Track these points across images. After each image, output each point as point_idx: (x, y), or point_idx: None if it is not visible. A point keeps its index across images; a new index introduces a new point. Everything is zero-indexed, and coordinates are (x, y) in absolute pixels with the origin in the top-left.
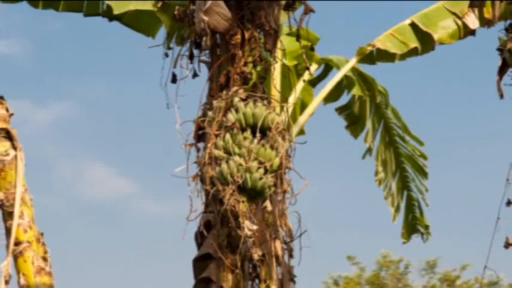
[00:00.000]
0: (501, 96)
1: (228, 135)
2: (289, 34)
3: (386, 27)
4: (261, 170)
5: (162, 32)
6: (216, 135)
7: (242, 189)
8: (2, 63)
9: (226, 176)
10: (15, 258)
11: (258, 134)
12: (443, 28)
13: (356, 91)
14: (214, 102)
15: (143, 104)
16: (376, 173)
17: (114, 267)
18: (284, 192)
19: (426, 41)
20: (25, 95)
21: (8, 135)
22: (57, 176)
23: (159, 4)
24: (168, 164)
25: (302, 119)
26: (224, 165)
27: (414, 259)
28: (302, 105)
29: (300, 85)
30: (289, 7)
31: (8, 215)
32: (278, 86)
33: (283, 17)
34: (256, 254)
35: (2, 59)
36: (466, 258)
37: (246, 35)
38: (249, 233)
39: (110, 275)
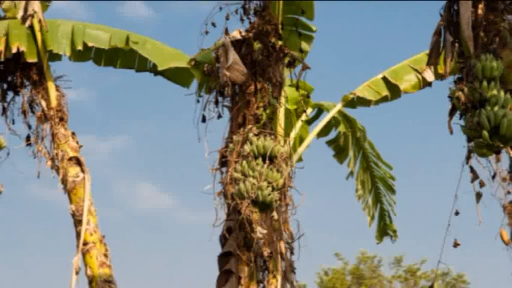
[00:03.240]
0: (451, 132)
1: (244, 162)
2: (290, 85)
3: (364, 80)
4: (270, 188)
5: (194, 84)
6: (235, 162)
7: (255, 202)
8: (74, 108)
9: (243, 193)
10: (84, 254)
11: (267, 161)
12: (407, 81)
13: (341, 128)
14: (234, 137)
15: (180, 138)
16: (356, 190)
17: (158, 262)
18: (287, 205)
19: (394, 91)
20: (91, 132)
21: (78, 162)
22: (115, 192)
23: (193, 62)
24: (199, 183)
25: (300, 149)
26: (241, 185)
27: (385, 255)
28: (300, 139)
29: (298, 124)
30: (291, 65)
31: (78, 222)
32: (282, 125)
33: (286, 72)
34: (266, 251)
35: (74, 104)
36: (424, 255)
37: (258, 86)
38: (260, 235)
39: (155, 268)
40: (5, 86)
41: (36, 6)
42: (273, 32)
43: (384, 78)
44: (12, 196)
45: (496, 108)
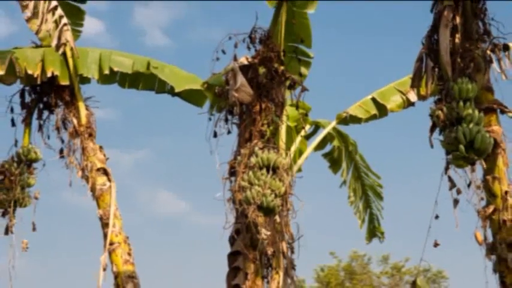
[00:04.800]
0: (431, 146)
1: (250, 172)
2: (291, 105)
3: (355, 100)
4: (273, 195)
5: (207, 104)
6: (243, 172)
7: (260, 208)
8: (101, 125)
9: (250, 199)
10: (110, 253)
11: (270, 171)
12: (393, 101)
13: (336, 143)
14: (242, 150)
15: (195, 151)
16: (349, 197)
17: (175, 260)
18: (288, 210)
19: (382, 110)
20: (116, 146)
21: (105, 172)
22: (137, 199)
23: (205, 85)
24: (211, 191)
25: (300, 161)
26: (248, 192)
27: (374, 254)
28: (300, 152)
29: (298, 139)
30: (291, 87)
31: (105, 225)
32: (284, 140)
33: (287, 93)
34: (270, 250)
35: (101, 122)
36: (408, 254)
37: (263, 106)
38: (264, 236)
39: (172, 265)
40: (41, 105)
41: (68, 35)
42: (275, 58)
43: (373, 99)
44: (47, 202)
45: (471, 125)
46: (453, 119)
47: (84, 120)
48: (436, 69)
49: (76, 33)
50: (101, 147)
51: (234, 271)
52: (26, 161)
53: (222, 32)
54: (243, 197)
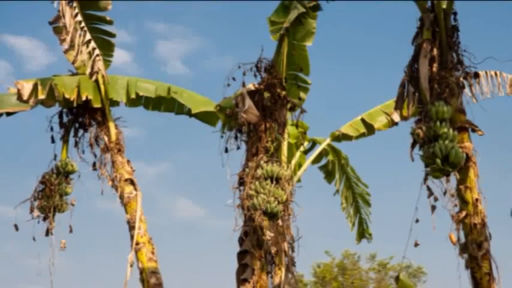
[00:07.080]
0: (412, 159)
1: (257, 182)
2: (292, 124)
3: (347, 120)
4: (276, 202)
5: (219, 123)
6: (250, 182)
7: (265, 213)
8: (128, 142)
9: (256, 206)
10: (136, 252)
11: (274, 182)
12: (379, 121)
13: (330, 157)
14: (249, 164)
15: (209, 164)
16: (341, 204)
17: (191, 258)
18: (289, 214)
19: (370, 129)
20: (141, 159)
21: (132, 182)
22: (159, 205)
23: (218, 107)
24: (223, 198)
25: (299, 173)
26: (255, 199)
27: (363, 253)
28: (299, 165)
29: (297, 154)
30: (292, 109)
31: (132, 228)
32: (285, 154)
33: (288, 114)
34: (273, 250)
35: (129, 139)
36: (392, 252)
37: (267, 125)
38: (269, 237)
39: (189, 262)
40: (77, 125)
41: (100, 65)
42: (278, 84)
43: (362, 119)
44: (82, 208)
45: (446, 142)
46: (431, 137)
47: (114, 137)
48: (416, 94)
49: (107, 63)
50: (128, 161)
51: (243, 267)
52: (63, 173)
53: (233, 62)
54: (250, 203)
